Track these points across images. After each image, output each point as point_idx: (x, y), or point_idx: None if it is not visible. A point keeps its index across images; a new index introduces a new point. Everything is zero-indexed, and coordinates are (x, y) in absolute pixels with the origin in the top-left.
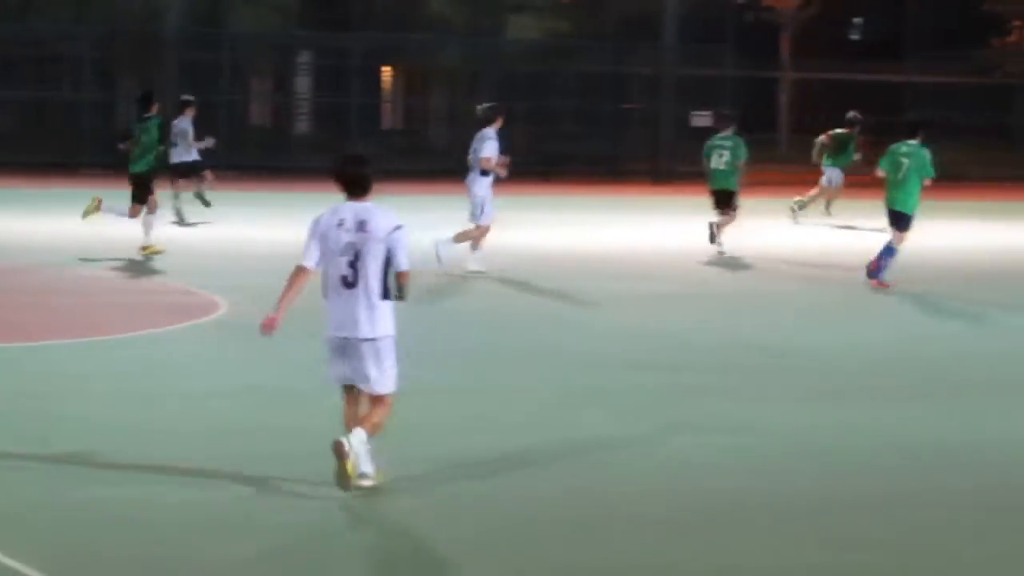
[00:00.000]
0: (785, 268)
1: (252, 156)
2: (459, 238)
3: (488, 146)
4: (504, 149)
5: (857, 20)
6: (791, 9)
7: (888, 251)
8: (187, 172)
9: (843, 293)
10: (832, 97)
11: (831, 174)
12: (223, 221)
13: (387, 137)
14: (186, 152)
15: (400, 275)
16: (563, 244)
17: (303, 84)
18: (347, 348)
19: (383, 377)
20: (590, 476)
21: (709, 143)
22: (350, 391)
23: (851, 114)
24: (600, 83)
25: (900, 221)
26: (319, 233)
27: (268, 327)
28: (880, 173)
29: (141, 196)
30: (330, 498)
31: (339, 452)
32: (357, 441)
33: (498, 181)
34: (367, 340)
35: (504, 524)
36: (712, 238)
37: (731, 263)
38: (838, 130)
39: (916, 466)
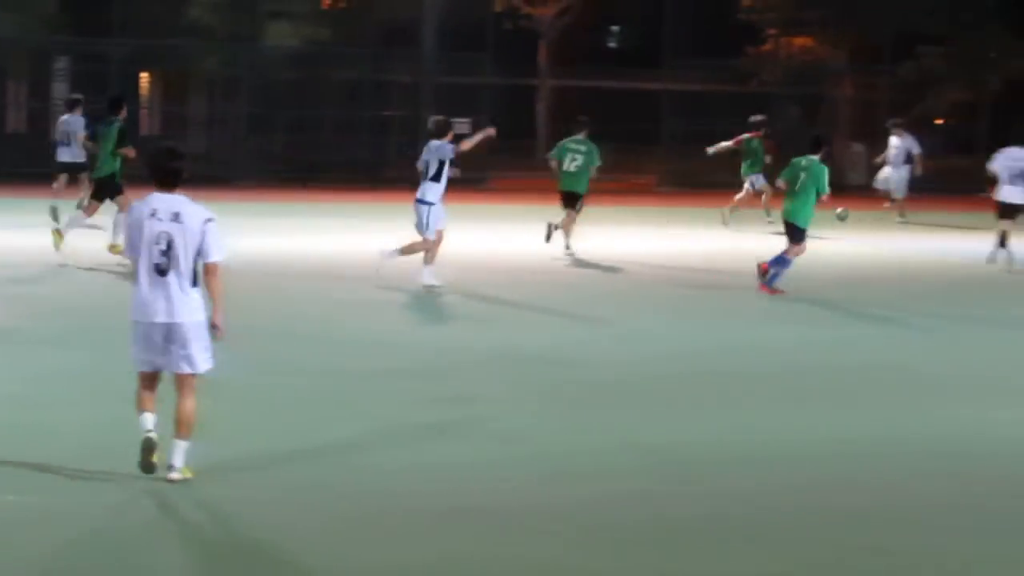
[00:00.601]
0: (556, 273)
1: (10, 162)
2: (405, 251)
3: (449, 150)
4: (276, 158)
5: (614, 28)
6: (549, 17)
7: (781, 260)
8: (75, 172)
9: (622, 299)
10: (590, 105)
11: (753, 179)
12: None
13: (146, 143)
14: (77, 153)
15: (210, 265)
16: (323, 251)
17: (60, 90)
18: (159, 334)
19: (196, 358)
20: (350, 477)
21: (562, 145)
22: (149, 377)
23: (755, 118)
24: (360, 90)
25: (793, 233)
26: (131, 224)
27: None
28: (781, 184)
29: (101, 197)
30: (121, 491)
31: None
32: (181, 459)
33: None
34: (179, 324)
35: (283, 522)
36: (548, 237)
37: (496, 270)
38: (745, 135)
39: (662, 468)
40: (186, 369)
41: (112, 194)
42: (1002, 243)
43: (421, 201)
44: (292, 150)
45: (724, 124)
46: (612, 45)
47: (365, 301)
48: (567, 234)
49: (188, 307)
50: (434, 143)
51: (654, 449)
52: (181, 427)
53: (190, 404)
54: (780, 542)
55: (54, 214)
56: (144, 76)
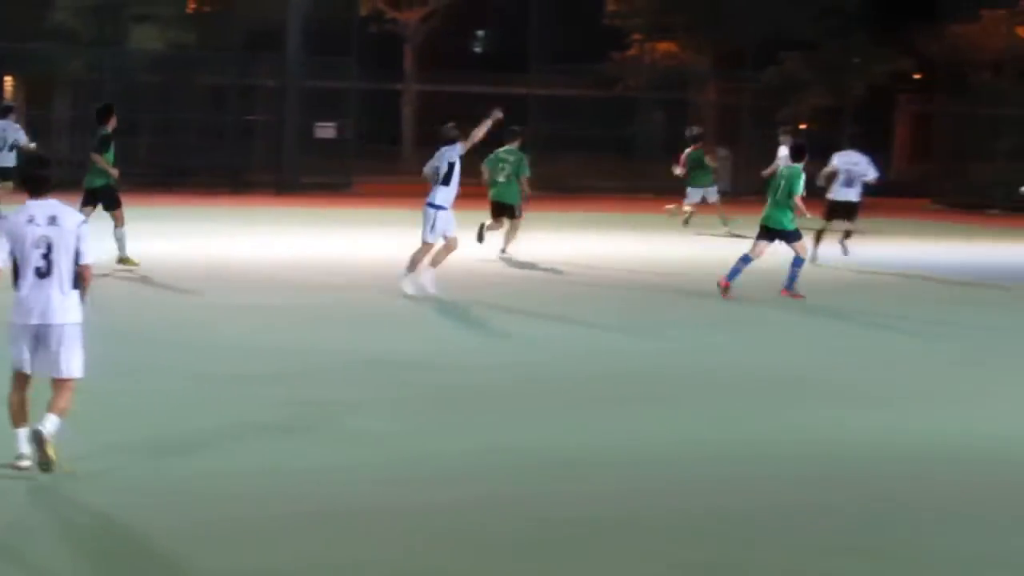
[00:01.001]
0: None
1: None
2: (434, 263)
3: (455, 151)
4: (140, 161)
5: (480, 33)
6: (414, 22)
7: (796, 263)
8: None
9: (489, 303)
10: (457, 109)
11: (705, 193)
12: None
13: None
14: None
15: (84, 267)
16: (187, 255)
17: None
18: (39, 335)
19: (72, 362)
20: (209, 481)
21: (493, 155)
22: (22, 378)
23: (694, 131)
24: (225, 95)
25: (784, 236)
26: (7, 231)
27: None
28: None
29: (94, 204)
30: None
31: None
32: (52, 426)
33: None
34: (60, 326)
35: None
36: (480, 238)
37: (355, 277)
38: (687, 150)
39: (525, 471)
40: (59, 373)
41: (108, 205)
42: (818, 240)
43: (431, 205)
44: (157, 154)
45: (589, 128)
46: (478, 49)
47: (228, 305)
48: (507, 240)
49: (65, 309)
50: (444, 148)
51: (517, 452)
52: (55, 408)
53: (66, 398)
54: (649, 543)
55: None
56: (8, 80)
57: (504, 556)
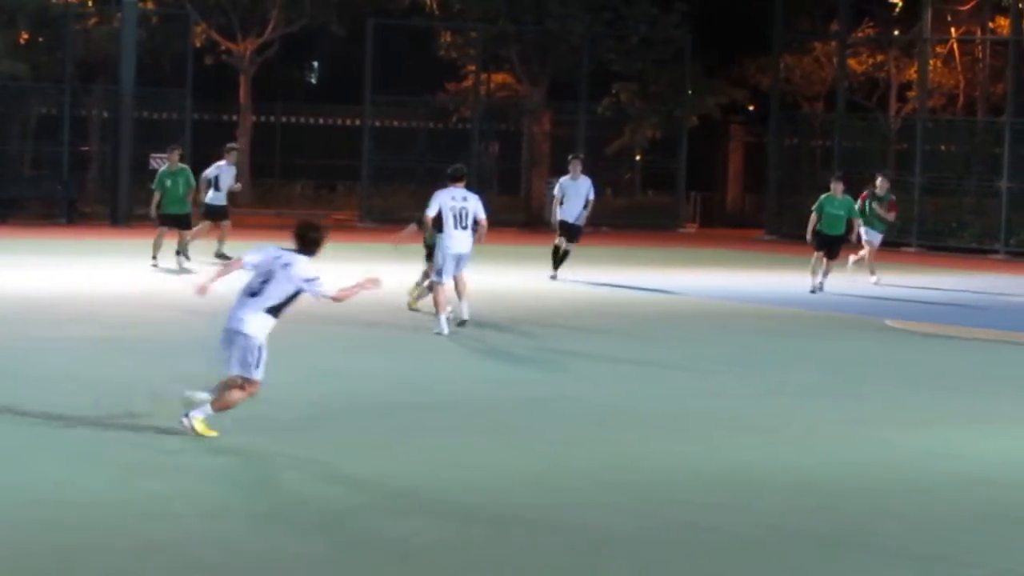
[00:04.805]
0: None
1: None
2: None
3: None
4: None
5: (315, 64)
6: (249, 53)
7: None
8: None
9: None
10: (294, 139)
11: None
12: None
13: None
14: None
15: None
16: (14, 288)
17: None
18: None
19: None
20: None
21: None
22: None
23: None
24: (58, 125)
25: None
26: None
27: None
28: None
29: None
30: None
31: None
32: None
33: None
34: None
35: None
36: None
37: (183, 308)
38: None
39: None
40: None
41: None
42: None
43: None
44: None
45: (425, 160)
46: (312, 80)
47: (49, 338)
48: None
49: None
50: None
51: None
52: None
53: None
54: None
55: None
56: None
57: None
